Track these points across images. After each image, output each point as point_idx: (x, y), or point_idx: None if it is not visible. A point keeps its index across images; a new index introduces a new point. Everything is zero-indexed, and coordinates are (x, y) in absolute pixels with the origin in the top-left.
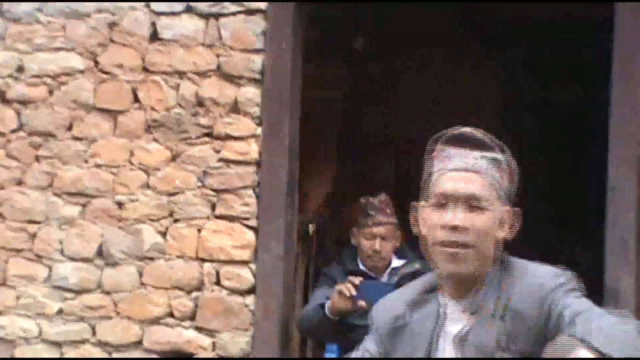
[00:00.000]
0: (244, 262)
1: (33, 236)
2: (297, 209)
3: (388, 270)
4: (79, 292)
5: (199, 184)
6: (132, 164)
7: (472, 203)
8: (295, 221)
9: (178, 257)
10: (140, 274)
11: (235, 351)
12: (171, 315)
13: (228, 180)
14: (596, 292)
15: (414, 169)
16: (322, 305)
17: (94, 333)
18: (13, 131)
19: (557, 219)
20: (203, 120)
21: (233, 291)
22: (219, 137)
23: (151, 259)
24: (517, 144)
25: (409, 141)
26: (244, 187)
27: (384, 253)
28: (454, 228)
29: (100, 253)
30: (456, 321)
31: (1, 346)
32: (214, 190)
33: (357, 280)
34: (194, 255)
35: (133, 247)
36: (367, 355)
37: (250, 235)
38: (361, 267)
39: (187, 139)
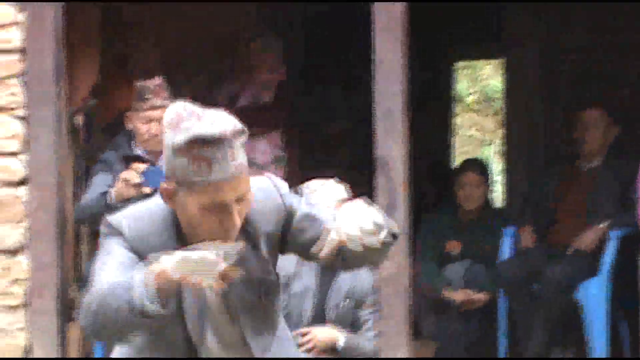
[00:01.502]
0: (14, 154)
1: None
2: (65, 97)
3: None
4: None
5: None
6: None
7: (239, 198)
8: (65, 110)
9: None
10: None
11: (10, 243)
12: None
13: None
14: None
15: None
16: (104, 193)
17: None
18: None
19: None
20: None
21: (4, 183)
22: None
23: None
24: None
25: None
26: (10, 76)
27: (161, 136)
28: (235, 228)
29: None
30: None
31: None
32: None
33: (142, 167)
34: None
35: None
36: (129, 260)
37: (18, 126)
38: (138, 151)
39: None
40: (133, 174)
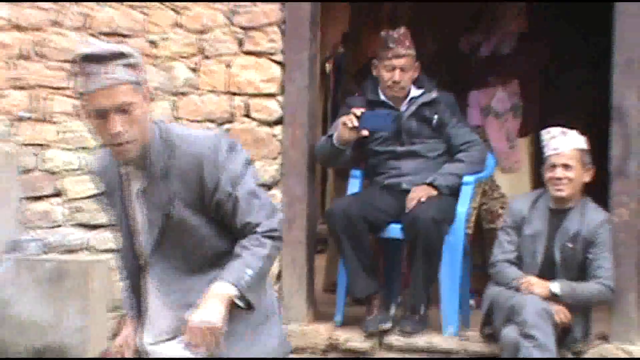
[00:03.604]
0: (271, 95)
1: None
2: (318, 43)
3: (407, 100)
4: None
5: (227, 21)
6: (162, 2)
7: (123, 108)
8: (318, 54)
9: (209, 91)
10: (174, 108)
11: (266, 178)
12: None
13: (254, 17)
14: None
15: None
16: (330, 136)
17: None
18: None
19: None
20: None
21: (262, 122)
22: None
23: (183, 94)
24: None
25: None
26: (270, 24)
27: (403, 83)
28: (117, 134)
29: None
30: (137, 180)
31: (46, 179)
32: (242, 28)
33: (358, 111)
34: (224, 89)
35: (166, 83)
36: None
37: (276, 69)
38: (382, 97)
39: None
40: (350, 118)
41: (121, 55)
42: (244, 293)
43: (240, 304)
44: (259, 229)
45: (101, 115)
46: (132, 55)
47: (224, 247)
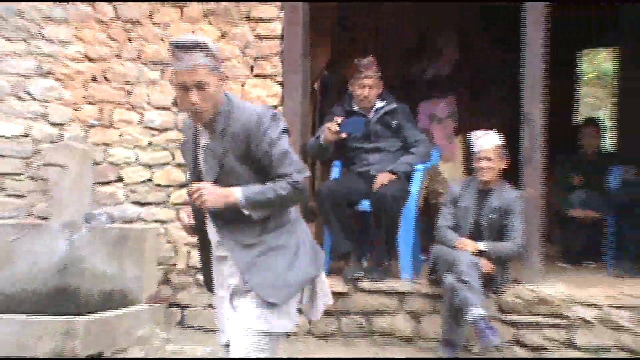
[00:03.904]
0: (274, 106)
1: (129, 93)
2: (309, 69)
3: (374, 109)
4: (162, 130)
5: (241, 53)
6: None
7: (199, 85)
8: (308, 77)
9: None
10: None
11: None
12: None
13: (262, 50)
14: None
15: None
16: (318, 137)
17: (173, 158)
18: (112, 20)
19: None
20: (243, 8)
21: None
22: (253, 20)
23: None
24: None
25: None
26: (272, 55)
27: (371, 97)
28: (193, 104)
29: (175, 103)
30: (205, 137)
31: (111, 169)
32: (253, 58)
33: (339, 119)
34: None
35: None
36: None
37: (277, 88)
38: (355, 107)
39: (231, 22)
40: (333, 124)
41: (202, 46)
42: (247, 203)
43: (245, 212)
44: (287, 178)
45: (184, 88)
46: (211, 47)
47: None
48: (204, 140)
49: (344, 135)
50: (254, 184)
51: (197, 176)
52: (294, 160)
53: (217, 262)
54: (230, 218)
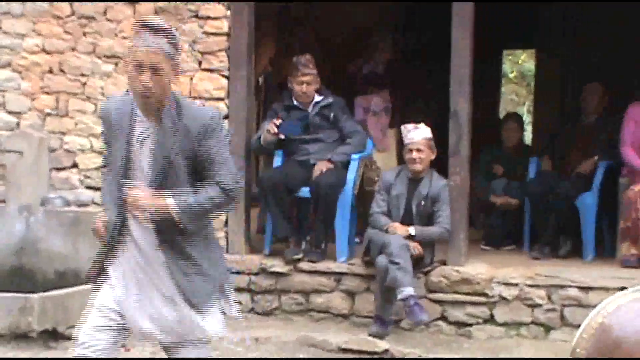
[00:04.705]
0: (221, 99)
1: (84, 84)
2: (253, 64)
3: (312, 103)
4: None
5: (190, 48)
6: None
7: (155, 68)
8: (253, 72)
9: None
10: None
11: None
12: None
13: (209, 46)
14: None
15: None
16: (258, 138)
17: None
18: (67, 16)
19: None
20: (192, 7)
21: None
22: (201, 17)
23: None
24: None
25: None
26: (219, 51)
27: (309, 93)
28: (145, 85)
29: (128, 92)
30: (142, 127)
31: (66, 156)
32: (200, 53)
33: (277, 121)
34: (188, 94)
35: None
36: None
37: (224, 81)
38: (294, 102)
39: (181, 19)
40: (271, 126)
41: (168, 32)
42: (183, 215)
43: (175, 217)
44: (221, 184)
45: (139, 68)
46: (176, 37)
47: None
48: (139, 130)
49: (282, 136)
50: (185, 184)
51: (127, 166)
52: (231, 167)
53: (142, 262)
54: (164, 225)
